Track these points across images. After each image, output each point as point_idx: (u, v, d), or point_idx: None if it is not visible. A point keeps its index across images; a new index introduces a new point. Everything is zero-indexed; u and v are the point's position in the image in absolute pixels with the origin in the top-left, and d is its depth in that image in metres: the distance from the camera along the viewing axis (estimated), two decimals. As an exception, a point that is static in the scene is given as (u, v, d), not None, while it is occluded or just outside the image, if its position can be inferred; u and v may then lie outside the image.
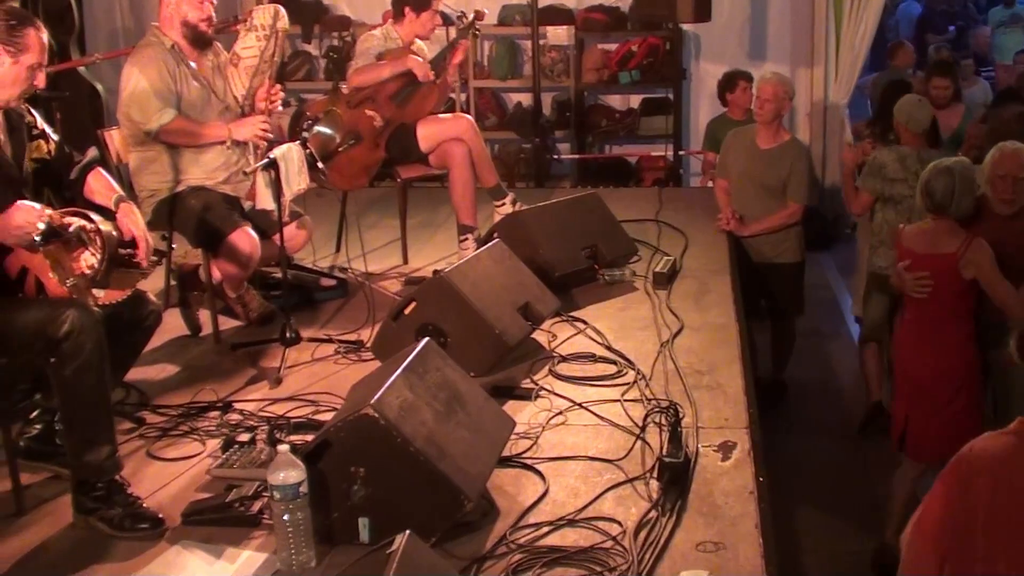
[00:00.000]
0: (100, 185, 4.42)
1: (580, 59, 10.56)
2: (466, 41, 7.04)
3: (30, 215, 3.84)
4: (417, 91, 6.80)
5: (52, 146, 4.36)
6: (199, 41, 5.63)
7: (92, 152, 5.20)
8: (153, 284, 5.17)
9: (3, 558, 3.74)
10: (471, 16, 7.12)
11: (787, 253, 7.19)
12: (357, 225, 6.19)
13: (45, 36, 4.11)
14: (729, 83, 8.99)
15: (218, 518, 3.83)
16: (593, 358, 5.16)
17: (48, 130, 4.38)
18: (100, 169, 4.50)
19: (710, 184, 8.41)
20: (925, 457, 5.48)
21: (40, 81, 4.14)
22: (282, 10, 5.75)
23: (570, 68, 10.59)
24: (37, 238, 3.90)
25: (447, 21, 7.68)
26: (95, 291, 4.03)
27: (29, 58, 4.03)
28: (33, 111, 4.37)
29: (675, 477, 3.88)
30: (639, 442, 4.25)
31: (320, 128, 6.32)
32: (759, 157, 7.14)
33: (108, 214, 4.26)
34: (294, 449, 3.50)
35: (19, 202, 3.88)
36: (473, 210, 6.78)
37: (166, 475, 4.26)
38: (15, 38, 4.00)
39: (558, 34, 10.57)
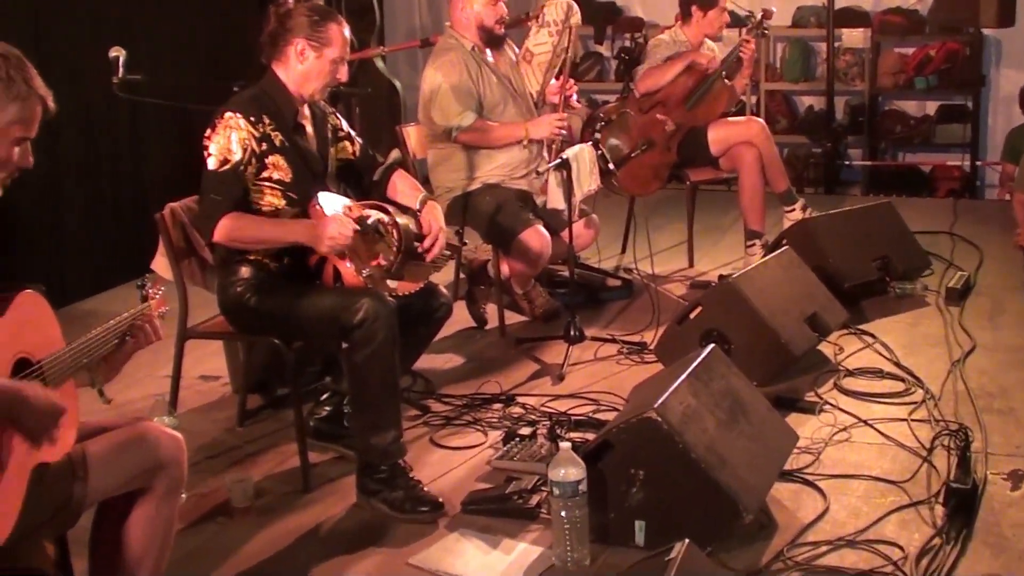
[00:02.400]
0: (405, 185, 4.58)
1: (875, 63, 10.29)
2: (754, 40, 6.92)
3: (344, 227, 3.99)
4: (708, 93, 6.75)
5: (357, 148, 4.54)
6: (494, 41, 5.73)
7: (395, 154, 5.38)
8: (443, 277, 5.28)
9: (289, 531, 3.91)
10: (759, 15, 7.03)
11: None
12: (645, 226, 6.18)
13: (347, 30, 4.25)
14: (1031, 91, 8.63)
15: (497, 509, 3.91)
16: (880, 374, 5.02)
17: (353, 133, 4.56)
18: (402, 170, 4.66)
19: (1008, 197, 8.08)
20: None
21: (342, 75, 4.29)
22: (575, 5, 5.78)
23: (864, 72, 10.32)
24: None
25: (736, 21, 7.58)
26: (390, 282, 4.15)
27: (332, 52, 4.18)
28: (339, 115, 4.55)
29: (962, 504, 3.73)
30: (925, 465, 4.12)
31: (612, 131, 6.34)
32: (1059, 170, 6.80)
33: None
34: (575, 447, 3.53)
35: (334, 214, 4.05)
36: (762, 215, 6.70)
37: (448, 463, 4.37)
38: (319, 33, 4.16)
39: (853, 37, 10.31)
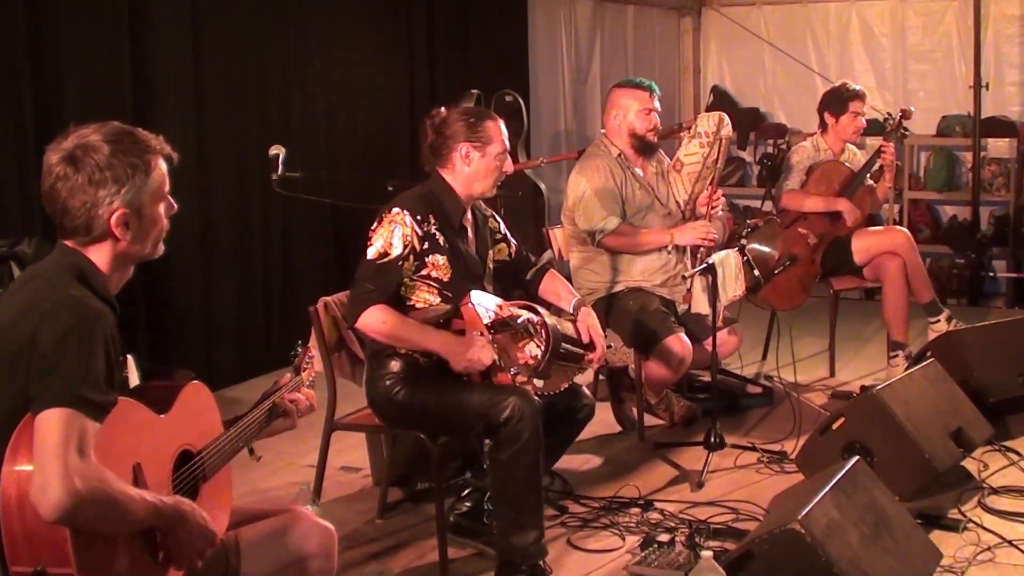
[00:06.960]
0: (556, 287, 4.70)
1: (1021, 173, 10.17)
2: (892, 144, 6.91)
3: (484, 354, 4.08)
4: (851, 201, 6.75)
5: (512, 250, 4.67)
6: (645, 149, 5.80)
7: (547, 255, 5.46)
8: (582, 378, 5.31)
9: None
10: (898, 116, 7.02)
11: None
12: (788, 334, 6.16)
13: (502, 124, 4.39)
14: None
15: (635, 614, 3.90)
16: (1026, 493, 4.92)
17: (508, 235, 4.68)
18: (554, 271, 4.76)
19: None
20: None
21: (509, 167, 4.42)
22: (726, 118, 5.81)
23: (1010, 182, 10.21)
24: (487, 321, 4.14)
25: (876, 127, 7.59)
26: (536, 380, 4.20)
27: (494, 148, 4.32)
28: (498, 217, 4.67)
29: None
30: (1074, 589, 4.02)
31: (758, 238, 6.35)
32: None
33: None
34: (715, 556, 3.52)
35: (477, 336, 4.12)
36: (905, 326, 6.63)
37: (585, 566, 4.36)
38: (478, 133, 4.30)
39: (999, 146, 10.21)
